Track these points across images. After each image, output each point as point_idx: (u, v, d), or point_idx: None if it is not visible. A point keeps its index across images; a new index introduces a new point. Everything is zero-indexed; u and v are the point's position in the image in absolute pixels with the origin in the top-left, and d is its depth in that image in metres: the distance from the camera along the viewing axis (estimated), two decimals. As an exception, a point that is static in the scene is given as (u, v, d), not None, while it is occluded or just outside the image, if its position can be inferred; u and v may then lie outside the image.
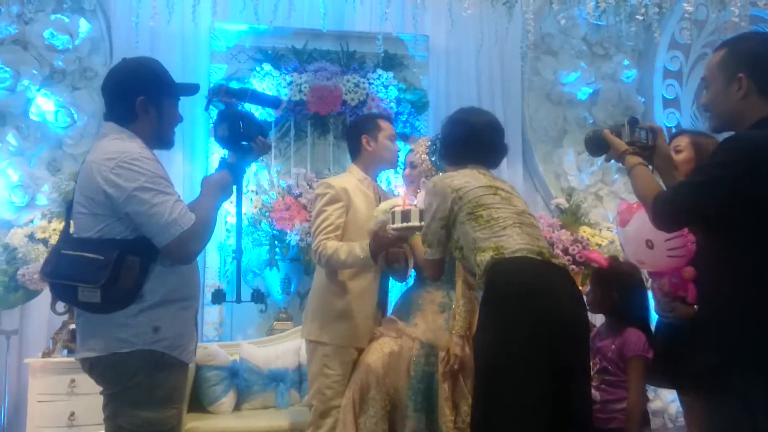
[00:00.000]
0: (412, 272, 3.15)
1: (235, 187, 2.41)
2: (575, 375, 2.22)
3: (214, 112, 2.56)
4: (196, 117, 4.68)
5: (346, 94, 4.91)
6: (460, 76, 5.30)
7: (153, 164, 2.16)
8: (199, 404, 3.41)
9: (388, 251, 3.05)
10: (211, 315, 4.53)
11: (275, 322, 4.56)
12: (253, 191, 4.67)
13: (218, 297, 2.41)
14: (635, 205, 2.84)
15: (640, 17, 4.72)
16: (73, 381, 3.64)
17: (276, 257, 4.52)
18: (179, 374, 2.23)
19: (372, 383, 2.87)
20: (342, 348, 2.98)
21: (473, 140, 2.65)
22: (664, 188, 2.19)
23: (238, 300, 2.52)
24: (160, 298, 2.15)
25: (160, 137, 2.31)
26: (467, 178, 2.50)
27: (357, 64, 5.01)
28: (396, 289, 3.46)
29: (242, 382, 3.57)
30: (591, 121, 5.45)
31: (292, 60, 4.94)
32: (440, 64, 5.28)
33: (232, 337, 4.59)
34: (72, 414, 3.65)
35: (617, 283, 2.81)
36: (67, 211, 2.30)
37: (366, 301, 3.04)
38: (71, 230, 2.23)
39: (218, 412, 3.47)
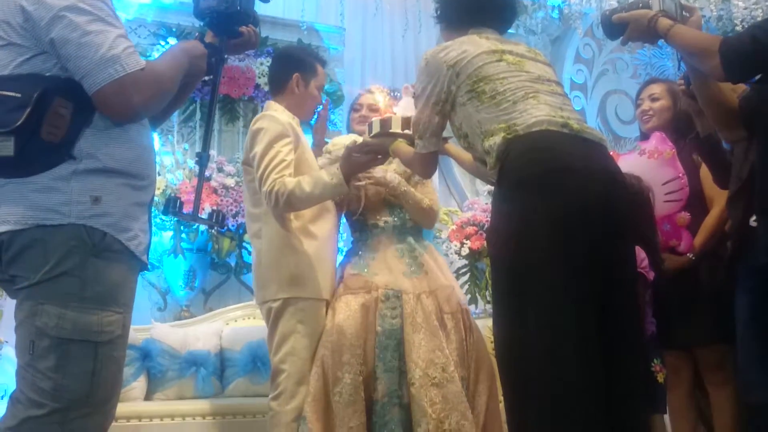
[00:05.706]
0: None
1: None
2: (620, 278, 1.81)
3: None
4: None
5: (259, 78, 4.53)
6: (376, 70, 5.07)
7: None
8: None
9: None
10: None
11: (176, 322, 3.96)
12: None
13: (170, 204, 1.91)
14: (612, 153, 2.67)
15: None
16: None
17: (181, 244, 3.98)
18: (125, 269, 1.65)
19: (345, 345, 2.43)
20: (319, 302, 2.52)
21: None
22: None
23: (195, 218, 2.02)
24: (100, 164, 1.61)
25: None
26: (465, 47, 2.00)
27: (271, 48, 4.65)
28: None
29: (155, 365, 2.96)
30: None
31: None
32: (355, 58, 5.04)
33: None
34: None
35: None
36: None
37: (332, 247, 2.62)
38: None
39: (125, 400, 2.84)
